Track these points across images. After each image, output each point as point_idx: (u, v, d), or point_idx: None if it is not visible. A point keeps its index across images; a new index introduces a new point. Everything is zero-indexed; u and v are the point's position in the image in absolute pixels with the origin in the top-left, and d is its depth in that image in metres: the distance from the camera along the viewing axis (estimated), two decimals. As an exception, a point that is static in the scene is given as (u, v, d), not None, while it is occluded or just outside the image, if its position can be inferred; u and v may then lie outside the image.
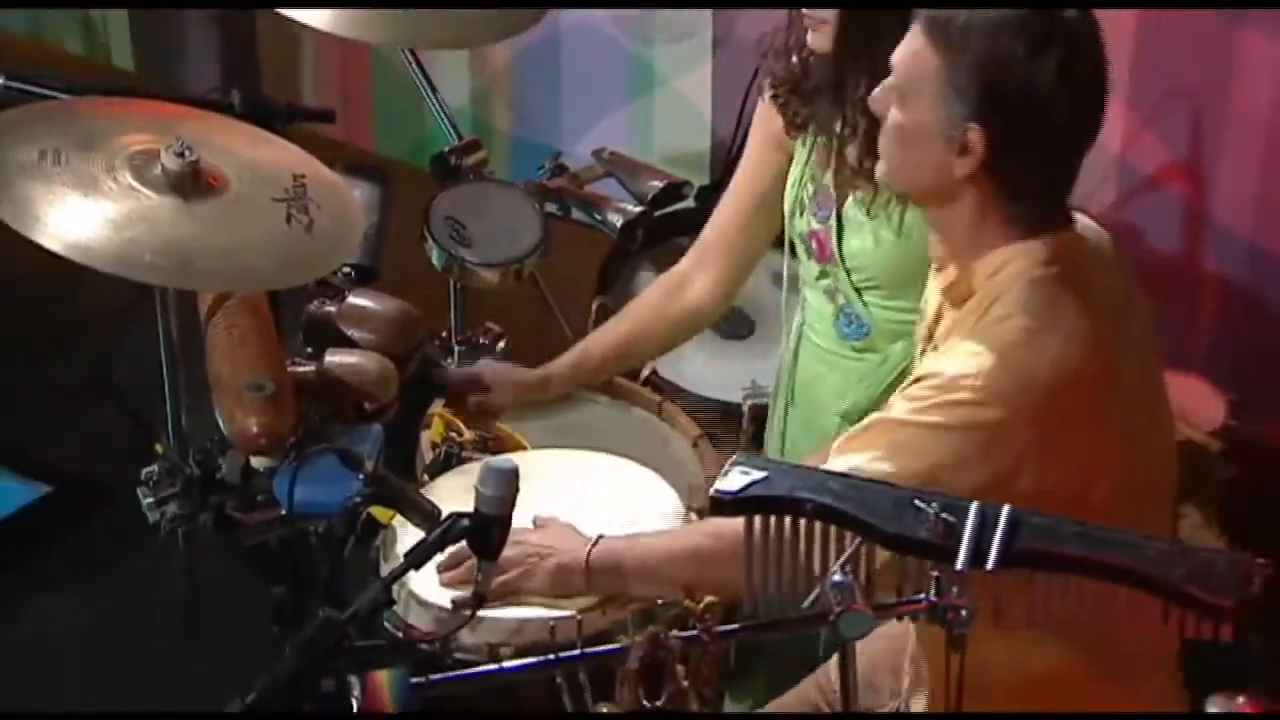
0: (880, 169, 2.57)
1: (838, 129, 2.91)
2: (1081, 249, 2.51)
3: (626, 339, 3.22)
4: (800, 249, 3.05)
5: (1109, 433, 2.48)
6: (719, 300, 3.21)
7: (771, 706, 2.86)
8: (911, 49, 2.45)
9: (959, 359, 2.42)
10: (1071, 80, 2.39)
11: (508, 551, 2.53)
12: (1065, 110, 2.40)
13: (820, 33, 2.87)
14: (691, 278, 3.20)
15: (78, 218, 2.74)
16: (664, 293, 3.22)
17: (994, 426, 2.39)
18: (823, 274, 3.01)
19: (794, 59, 2.97)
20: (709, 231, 3.21)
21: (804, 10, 2.87)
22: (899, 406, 2.47)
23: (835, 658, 2.73)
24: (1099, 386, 2.45)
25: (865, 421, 2.52)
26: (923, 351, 2.62)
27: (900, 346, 2.96)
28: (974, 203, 2.45)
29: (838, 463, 2.45)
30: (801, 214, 3.03)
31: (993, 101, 2.38)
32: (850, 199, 2.94)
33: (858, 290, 2.97)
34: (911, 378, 2.50)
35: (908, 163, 2.50)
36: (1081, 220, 2.54)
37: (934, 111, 2.42)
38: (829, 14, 2.84)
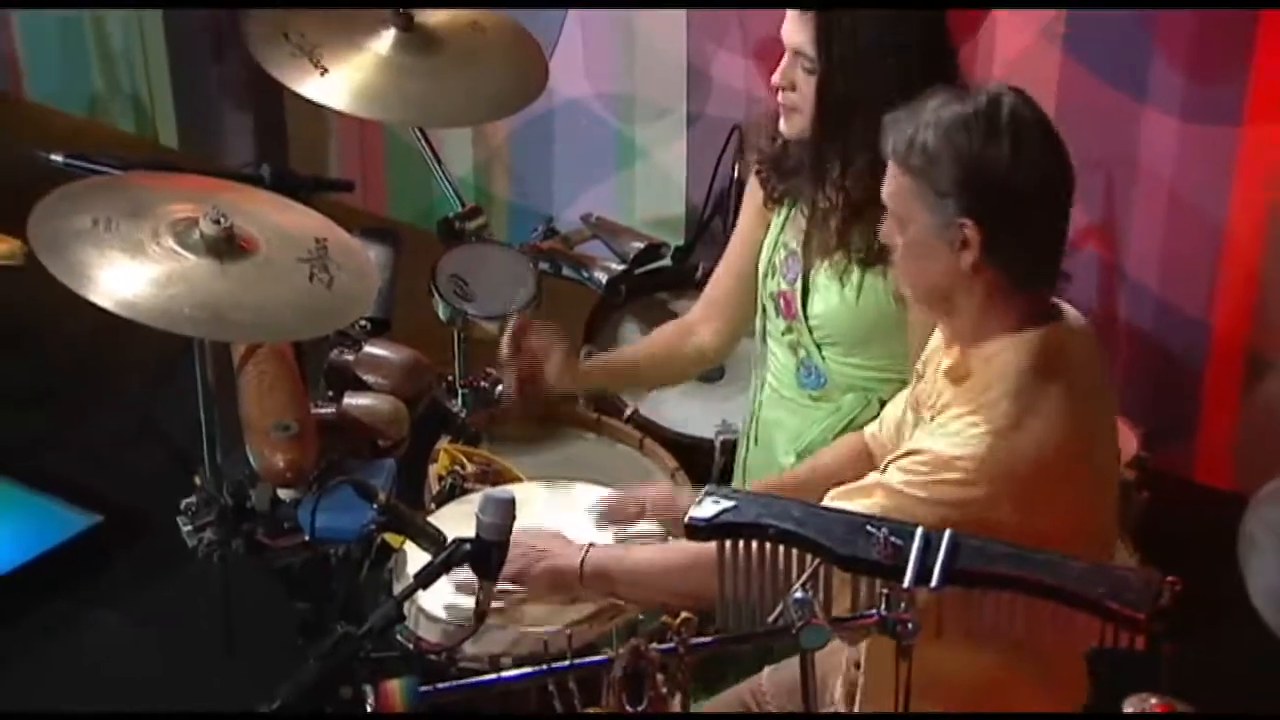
0: (906, 292, 2.58)
1: (817, 204, 2.89)
2: (1067, 339, 2.50)
3: (646, 359, 3.23)
4: (769, 307, 3.04)
5: (1076, 498, 2.48)
6: (723, 346, 3.21)
7: (708, 705, 2.83)
8: (894, 183, 2.47)
9: (953, 441, 2.42)
10: (1025, 153, 2.40)
11: (511, 553, 2.52)
12: (1029, 177, 2.40)
13: (792, 120, 2.86)
14: (699, 326, 3.20)
15: (126, 278, 2.75)
16: (678, 334, 3.22)
17: (980, 503, 2.38)
18: (788, 330, 3.00)
19: (776, 140, 2.96)
20: (710, 289, 3.21)
21: (779, 98, 2.86)
22: (895, 476, 2.46)
23: (767, 669, 2.77)
24: (1075, 464, 2.45)
25: (862, 482, 2.50)
26: (914, 416, 2.61)
27: (851, 397, 2.95)
28: (982, 292, 2.45)
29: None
30: (773, 276, 3.02)
31: (971, 194, 2.39)
32: (818, 266, 2.93)
33: (818, 346, 2.96)
34: (907, 448, 2.48)
35: (924, 274, 2.49)
36: (1069, 312, 2.54)
37: (929, 222, 2.43)
38: (800, 101, 2.83)
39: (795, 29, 2.81)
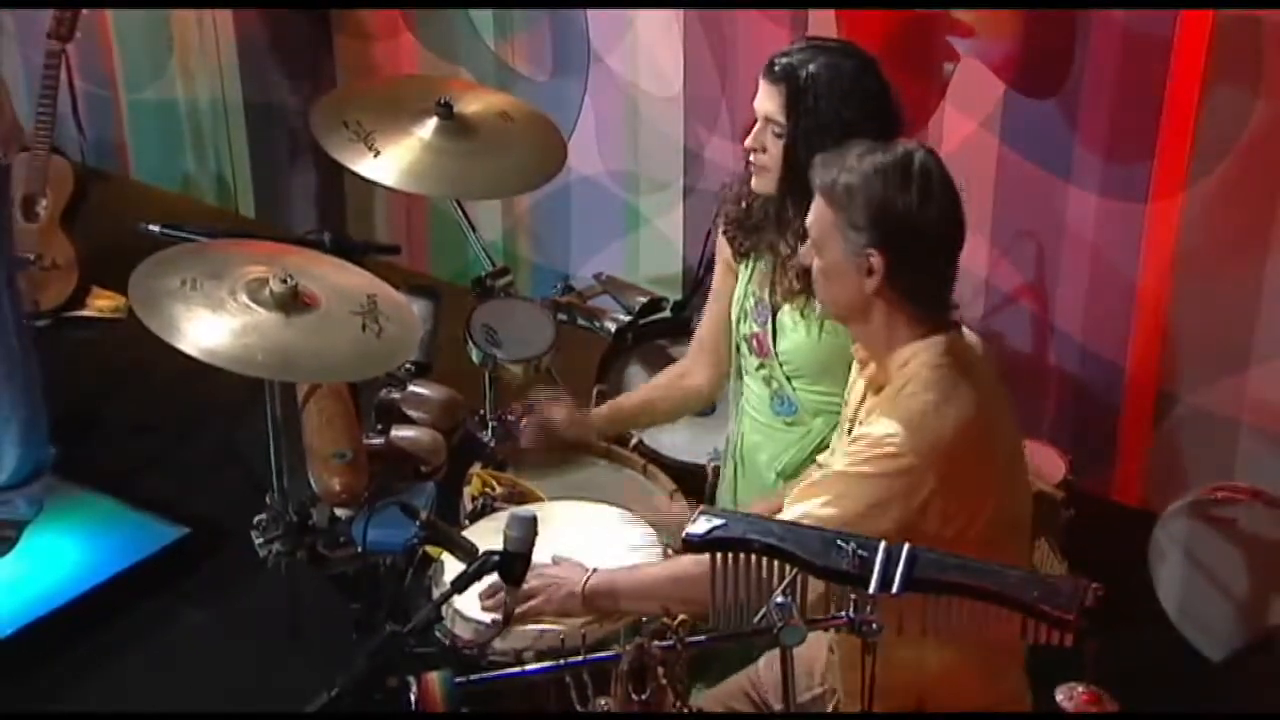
0: (818, 307, 2.61)
1: (782, 252, 2.87)
2: (965, 346, 2.51)
3: (646, 403, 3.20)
4: (744, 347, 3.01)
5: (990, 478, 2.47)
6: (713, 386, 3.17)
7: (712, 693, 2.79)
8: (817, 213, 2.49)
9: (883, 424, 2.42)
10: (930, 201, 2.42)
11: (533, 583, 2.52)
12: (932, 224, 2.43)
13: (762, 177, 2.84)
14: (691, 370, 3.17)
15: (208, 329, 2.74)
16: (673, 377, 3.20)
17: (910, 472, 2.38)
18: (761, 366, 2.98)
19: (742, 203, 2.95)
20: (696, 339, 3.19)
21: (750, 158, 2.84)
22: (838, 461, 2.48)
23: (764, 659, 2.73)
24: (985, 443, 2.45)
25: (814, 476, 2.52)
26: (850, 431, 2.58)
27: (820, 421, 2.92)
28: (885, 310, 2.46)
29: (792, 510, 2.45)
30: (745, 320, 2.99)
31: (880, 229, 2.41)
32: (784, 308, 2.91)
33: (788, 378, 2.93)
34: (847, 439, 2.48)
35: (834, 292, 2.51)
36: (966, 330, 2.54)
37: (842, 249, 2.45)
38: (769, 161, 2.81)
39: (766, 98, 2.80)
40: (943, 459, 2.38)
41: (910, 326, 2.46)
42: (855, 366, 2.62)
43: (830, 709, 2.62)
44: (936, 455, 2.38)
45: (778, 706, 2.69)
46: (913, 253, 2.42)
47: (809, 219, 2.50)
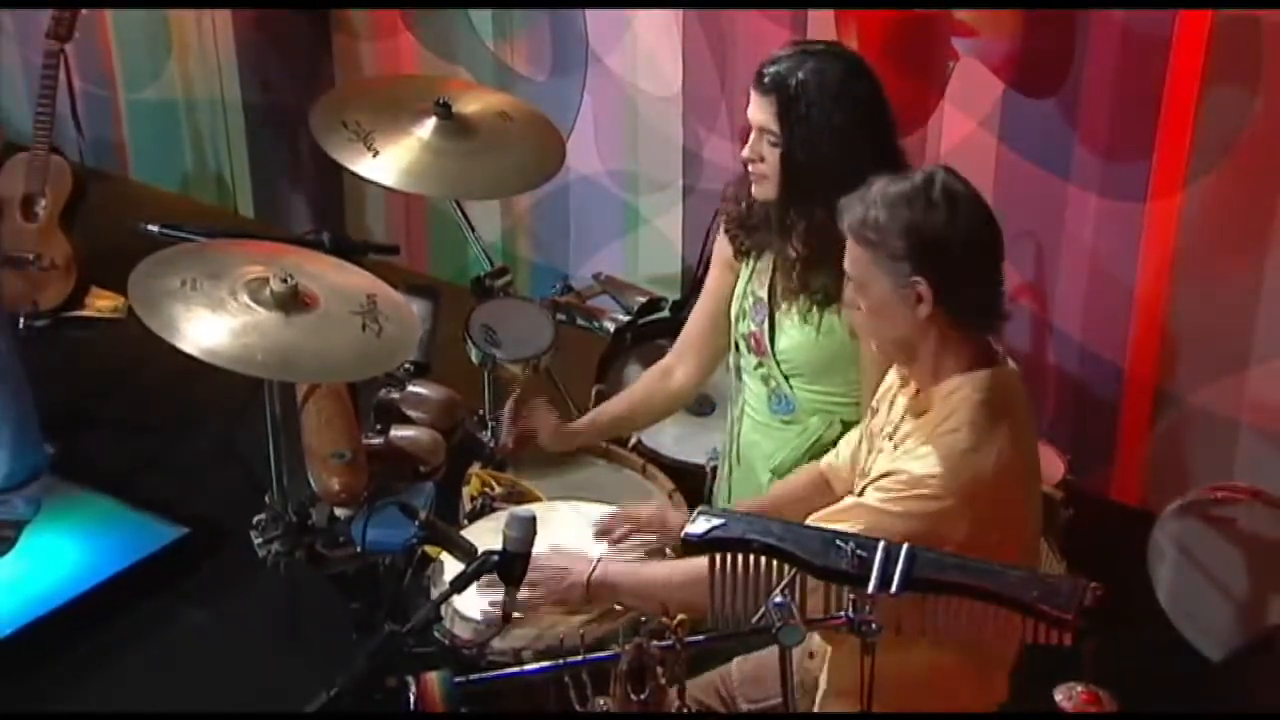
0: (874, 346, 2.55)
1: (783, 255, 2.87)
2: (1009, 379, 2.49)
3: (628, 410, 3.17)
4: (742, 346, 3.01)
5: (1021, 515, 2.48)
6: (695, 385, 3.17)
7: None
8: (852, 255, 2.46)
9: (921, 462, 2.40)
10: (960, 215, 2.40)
11: (534, 574, 2.50)
12: (966, 235, 2.41)
13: (762, 185, 2.84)
14: (674, 369, 3.15)
15: (208, 329, 2.73)
16: (654, 379, 3.17)
17: (947, 515, 2.37)
18: (759, 365, 2.98)
19: (743, 204, 2.95)
20: (684, 335, 3.17)
21: (749, 168, 2.84)
22: (871, 495, 2.44)
23: (736, 659, 2.74)
24: (1019, 482, 2.45)
25: (842, 504, 2.48)
26: (869, 445, 2.58)
27: (816, 420, 2.92)
28: (937, 339, 2.44)
29: None
30: (744, 319, 2.99)
31: (919, 254, 2.39)
32: (783, 307, 2.91)
33: (786, 377, 2.93)
34: (880, 471, 2.46)
35: (887, 328, 2.48)
36: (1008, 360, 2.53)
37: (885, 284, 2.43)
38: (767, 169, 2.81)
39: (759, 109, 2.80)
40: (980, 501, 2.37)
41: (958, 357, 2.44)
42: (895, 379, 2.59)
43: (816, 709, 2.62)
44: (973, 498, 2.37)
45: (744, 706, 2.70)
46: (956, 269, 2.41)
47: (846, 263, 2.47)
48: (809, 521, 2.43)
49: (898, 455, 2.46)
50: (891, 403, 2.58)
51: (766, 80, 2.77)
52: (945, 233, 2.38)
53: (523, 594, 2.49)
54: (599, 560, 2.63)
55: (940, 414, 2.43)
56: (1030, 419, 2.53)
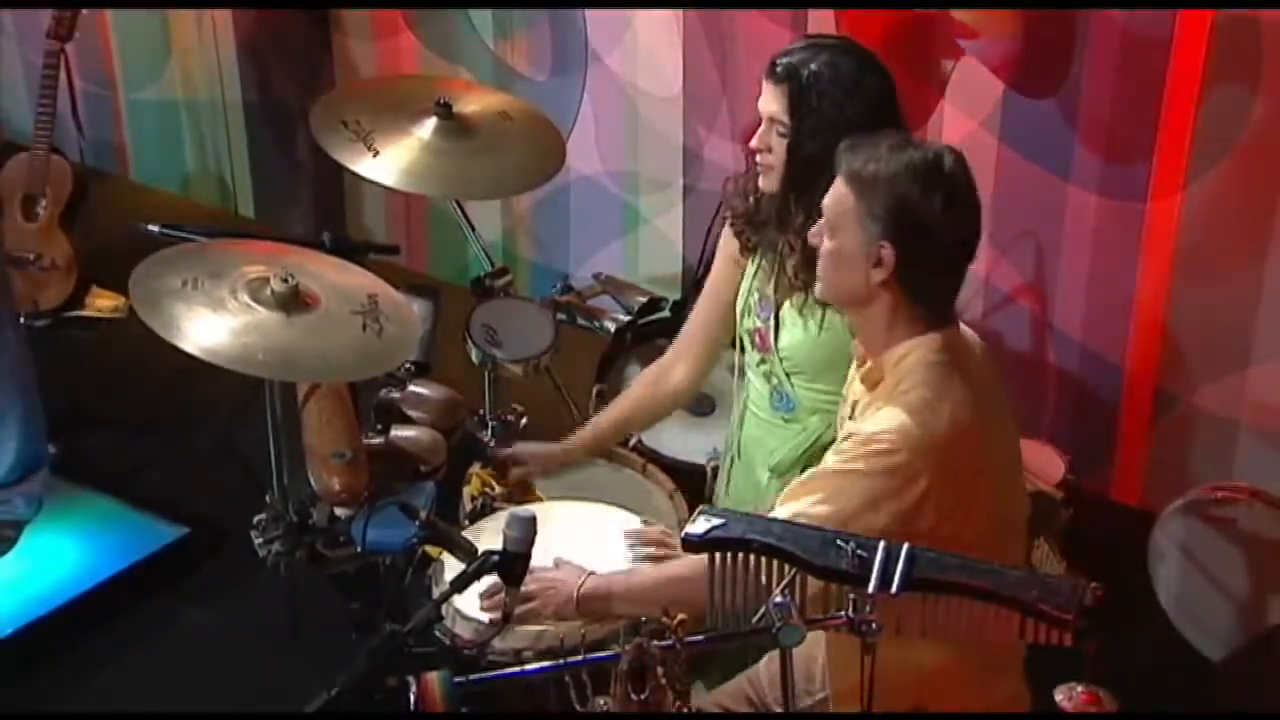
0: (818, 287, 2.57)
1: (782, 249, 2.87)
2: (963, 343, 2.51)
3: (626, 416, 3.17)
4: (746, 342, 3.01)
5: (985, 478, 2.47)
6: (694, 385, 3.17)
7: (711, 696, 2.79)
8: (837, 193, 2.47)
9: (876, 420, 2.42)
10: (954, 209, 2.42)
11: (531, 587, 2.52)
12: (950, 230, 2.43)
13: (768, 176, 2.84)
14: (673, 368, 3.15)
15: (209, 328, 2.73)
16: (652, 380, 3.18)
17: (904, 469, 2.37)
18: (762, 361, 2.98)
19: (750, 199, 2.95)
20: (685, 332, 3.17)
21: (756, 158, 2.84)
22: (831, 460, 2.46)
23: (764, 660, 2.73)
24: (980, 441, 2.44)
25: (805, 475, 2.50)
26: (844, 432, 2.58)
27: (817, 419, 2.92)
28: (888, 304, 2.45)
29: (785, 508, 2.43)
30: (748, 315, 3.00)
31: (898, 226, 2.40)
32: (786, 304, 2.91)
33: (788, 374, 2.93)
34: (840, 437, 2.47)
35: (839, 278, 2.50)
36: (965, 329, 2.54)
37: (856, 236, 2.44)
38: (774, 160, 2.81)
39: (770, 99, 2.80)
40: (937, 455, 2.37)
41: (910, 323, 2.45)
42: (854, 365, 2.61)
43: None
44: (931, 452, 2.37)
45: (777, 708, 2.70)
46: (925, 253, 2.42)
47: (826, 200, 2.49)
48: (779, 501, 2.45)
49: (856, 423, 2.47)
50: (854, 387, 2.58)
51: (779, 70, 2.78)
52: (931, 217, 2.40)
53: (518, 609, 2.49)
54: (588, 574, 2.62)
55: (893, 380, 2.45)
56: (995, 384, 2.53)
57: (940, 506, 2.37)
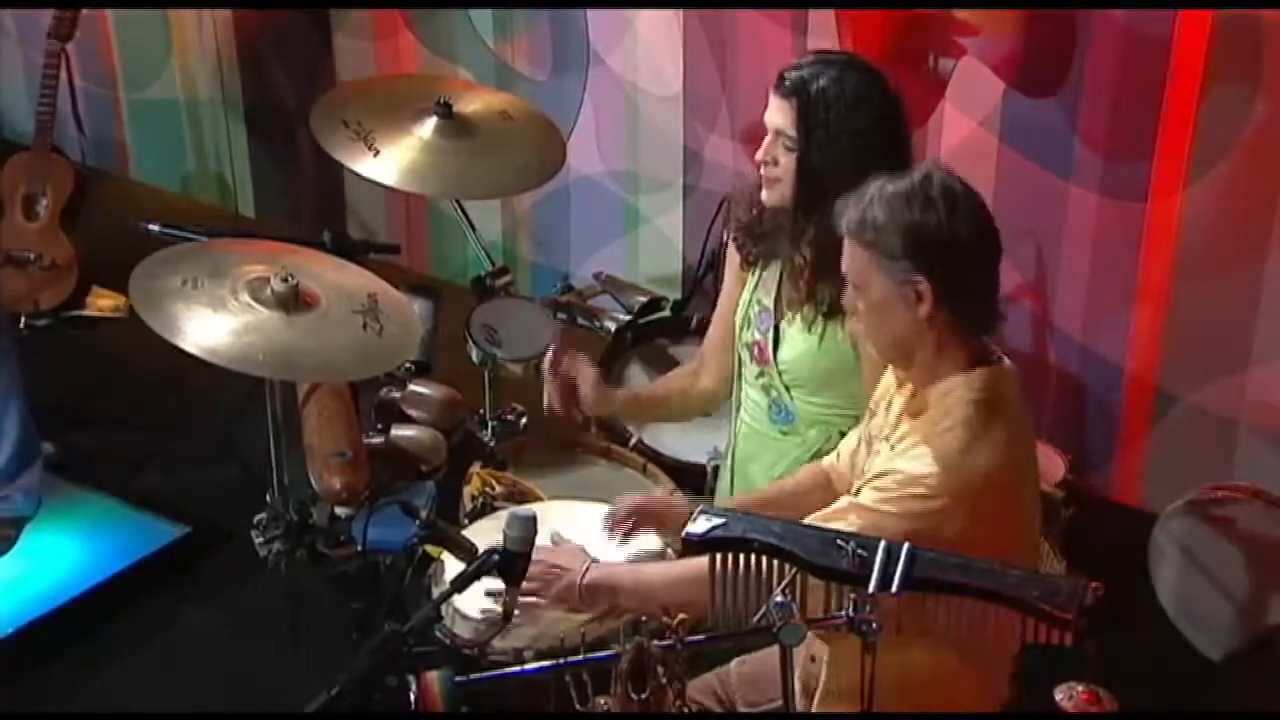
0: (870, 348, 2.56)
1: (794, 262, 2.87)
2: (1005, 378, 2.49)
3: (665, 397, 3.19)
4: (745, 355, 3.01)
5: (1017, 517, 2.48)
6: (722, 389, 3.15)
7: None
8: (851, 256, 2.46)
9: (916, 462, 2.40)
10: (958, 214, 2.40)
11: (531, 569, 2.50)
12: (966, 236, 2.41)
13: (773, 190, 2.84)
14: (701, 373, 3.17)
15: (209, 328, 2.74)
16: (688, 377, 3.19)
17: (940, 514, 2.37)
18: (760, 374, 2.98)
19: (753, 210, 2.94)
20: (705, 343, 3.18)
21: (762, 171, 2.84)
22: (867, 495, 2.44)
23: (734, 660, 2.73)
24: (1015, 482, 2.45)
25: (838, 504, 2.48)
26: (868, 448, 2.58)
27: (814, 432, 2.93)
28: (935, 340, 2.44)
29: None
30: (748, 328, 2.99)
31: (919, 254, 2.39)
32: (786, 317, 2.91)
33: (787, 388, 2.93)
34: (876, 471, 2.46)
35: (887, 329, 2.47)
36: (1004, 358, 2.53)
37: (885, 283, 2.43)
38: (781, 173, 2.81)
39: (778, 113, 2.80)
40: (974, 499, 2.37)
41: (956, 357, 2.44)
42: (891, 381, 2.60)
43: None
44: (967, 496, 2.37)
45: (743, 708, 2.70)
46: (955, 268, 2.41)
47: (845, 264, 2.48)
48: (806, 523, 2.44)
49: (893, 455, 2.46)
50: (889, 405, 2.58)
51: (787, 84, 2.78)
52: (944, 231, 2.38)
53: (519, 592, 2.49)
54: (592, 562, 2.62)
55: (936, 414, 2.43)
56: (1027, 418, 2.53)
57: (972, 546, 2.34)
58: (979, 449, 2.39)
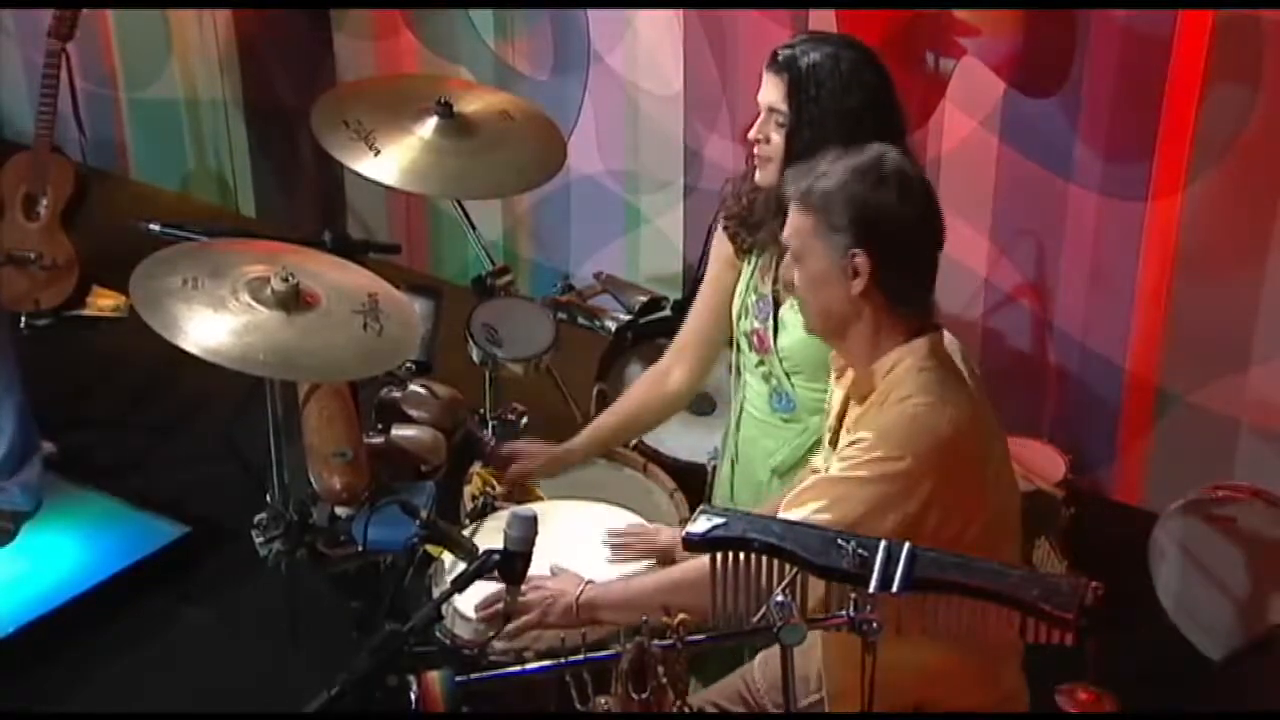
0: (804, 321, 2.55)
1: (782, 242, 2.87)
2: (949, 347, 2.49)
3: (625, 420, 3.14)
4: (744, 343, 3.00)
5: (985, 477, 2.46)
6: (692, 387, 3.15)
7: (705, 694, 2.78)
8: (794, 224, 2.45)
9: (879, 427, 2.39)
10: (909, 197, 2.40)
11: (530, 597, 2.50)
12: (912, 219, 2.40)
13: (765, 169, 2.83)
14: (671, 371, 3.13)
15: (210, 327, 2.73)
16: (651, 383, 3.15)
17: (907, 475, 2.36)
18: (760, 362, 2.97)
19: (744, 199, 2.94)
20: (682, 335, 3.16)
21: (755, 150, 2.84)
22: (834, 466, 2.44)
23: (759, 659, 2.71)
24: (979, 443, 2.44)
25: (807, 481, 2.48)
26: (833, 440, 2.57)
27: (817, 419, 2.91)
28: (871, 315, 2.43)
29: (788, 516, 2.41)
30: (746, 316, 2.99)
31: (862, 229, 2.38)
32: (785, 304, 2.90)
33: (788, 375, 2.93)
34: (840, 448, 2.46)
35: (820, 301, 2.46)
36: (943, 330, 2.52)
37: (824, 254, 2.42)
38: (772, 151, 2.80)
39: (770, 88, 2.79)
40: (940, 459, 2.36)
41: (894, 333, 2.43)
42: (832, 377, 2.60)
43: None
44: (934, 456, 2.36)
45: (772, 708, 2.69)
46: (896, 249, 2.40)
47: (786, 232, 2.47)
48: (782, 508, 2.44)
49: (854, 434, 2.45)
50: (834, 398, 2.57)
51: (780, 60, 2.77)
52: (891, 211, 2.38)
53: (516, 622, 2.49)
54: (586, 583, 2.60)
55: (884, 390, 2.43)
56: (978, 384, 2.50)
57: (944, 509, 2.36)
58: (941, 410, 2.38)
